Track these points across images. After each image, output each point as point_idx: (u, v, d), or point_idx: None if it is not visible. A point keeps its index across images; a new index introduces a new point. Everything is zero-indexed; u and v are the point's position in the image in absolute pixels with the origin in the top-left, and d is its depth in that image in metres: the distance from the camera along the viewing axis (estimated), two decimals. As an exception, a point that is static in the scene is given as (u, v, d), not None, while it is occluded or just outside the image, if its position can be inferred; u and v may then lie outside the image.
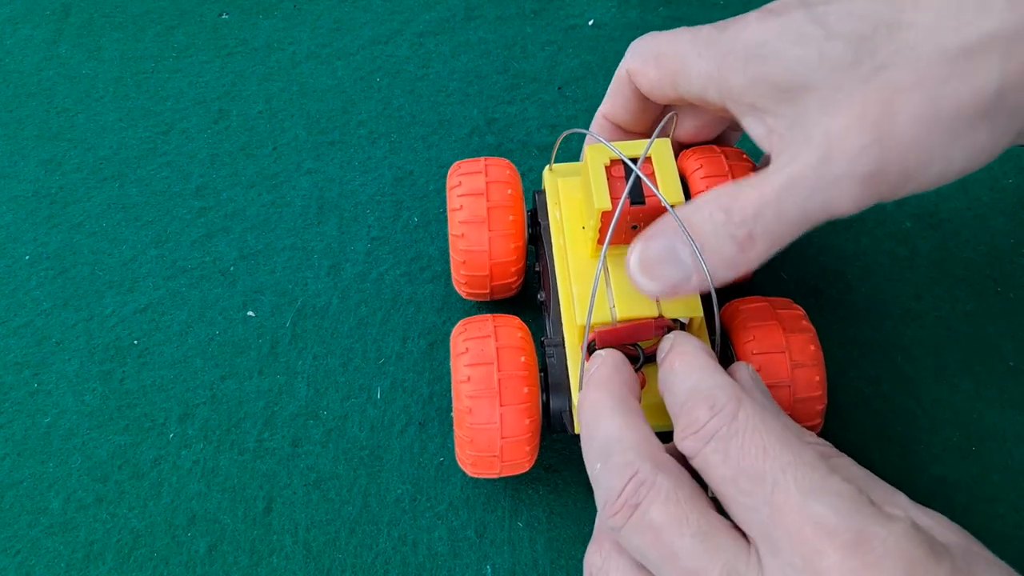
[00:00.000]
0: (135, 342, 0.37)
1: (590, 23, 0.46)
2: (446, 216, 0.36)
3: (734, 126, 0.32)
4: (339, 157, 0.42)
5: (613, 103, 0.31)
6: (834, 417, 0.33)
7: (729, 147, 0.32)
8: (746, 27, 0.26)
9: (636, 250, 0.26)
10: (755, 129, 0.26)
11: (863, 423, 0.34)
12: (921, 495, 0.32)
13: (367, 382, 0.35)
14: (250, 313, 0.37)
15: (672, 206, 0.26)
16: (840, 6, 0.24)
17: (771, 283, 0.37)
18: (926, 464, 0.33)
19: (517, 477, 0.33)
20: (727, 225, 0.24)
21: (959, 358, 0.35)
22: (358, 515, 0.32)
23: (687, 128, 0.31)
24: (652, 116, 0.32)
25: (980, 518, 0.31)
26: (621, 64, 0.30)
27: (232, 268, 0.38)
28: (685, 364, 0.25)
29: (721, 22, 0.27)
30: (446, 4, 0.47)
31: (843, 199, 0.23)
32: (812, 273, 0.37)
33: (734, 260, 0.25)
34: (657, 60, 0.28)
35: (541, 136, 0.42)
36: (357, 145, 0.42)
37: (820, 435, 0.30)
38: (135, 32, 0.46)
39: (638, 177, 0.27)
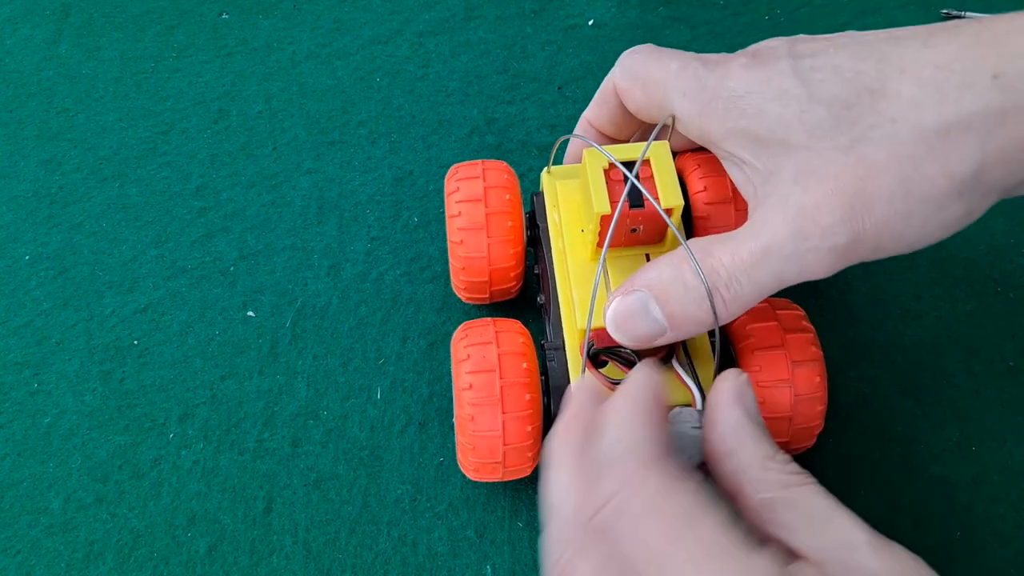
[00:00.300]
0: (135, 342, 0.37)
1: (590, 23, 0.46)
2: (445, 216, 0.36)
3: None
4: (339, 157, 0.42)
5: (599, 113, 0.31)
6: (834, 417, 0.33)
7: None
8: (731, 73, 0.26)
9: (612, 305, 0.26)
10: (733, 173, 0.27)
11: (863, 423, 0.34)
12: (921, 495, 0.32)
13: (367, 382, 0.35)
14: (250, 313, 0.37)
15: (668, 211, 0.26)
16: (827, 60, 0.24)
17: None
18: (926, 464, 0.33)
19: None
20: (699, 289, 0.24)
21: (959, 358, 0.35)
22: (358, 515, 0.32)
23: (677, 140, 0.31)
24: (637, 127, 0.32)
25: (980, 518, 0.31)
26: (609, 76, 0.30)
27: (232, 268, 0.38)
28: (618, 410, 0.23)
29: (709, 57, 0.27)
30: (446, 4, 0.47)
31: (816, 267, 0.24)
32: (812, 273, 0.37)
33: (704, 322, 0.25)
34: (644, 86, 0.28)
35: (541, 136, 0.42)
36: (357, 145, 0.42)
37: (820, 435, 0.30)
38: (135, 32, 0.46)
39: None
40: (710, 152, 0.31)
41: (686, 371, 0.27)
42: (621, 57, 0.29)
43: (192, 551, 0.32)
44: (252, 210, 0.40)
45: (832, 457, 0.33)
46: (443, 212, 0.40)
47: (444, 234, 0.39)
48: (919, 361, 0.35)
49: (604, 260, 0.27)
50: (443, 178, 0.40)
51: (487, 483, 0.33)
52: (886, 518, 0.31)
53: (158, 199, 0.41)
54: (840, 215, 0.23)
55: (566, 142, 0.33)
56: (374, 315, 0.37)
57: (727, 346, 0.30)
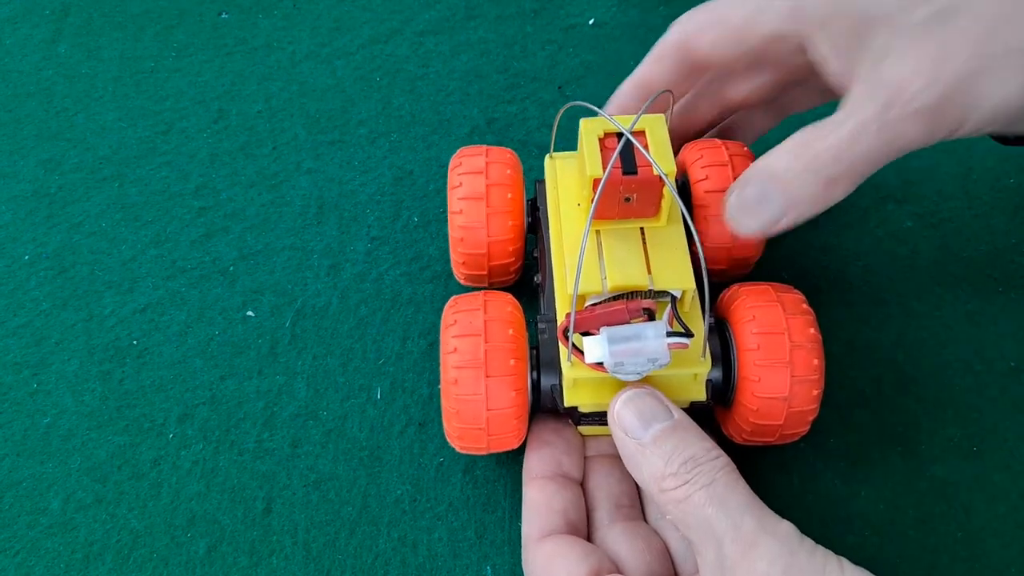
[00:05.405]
0: (134, 342, 0.36)
1: (590, 22, 0.46)
2: (446, 216, 0.36)
3: (787, 87, 0.33)
4: (339, 157, 0.41)
5: (649, 71, 0.32)
6: (834, 417, 0.33)
7: (731, 140, 0.33)
8: None
9: (734, 193, 0.27)
10: (829, 65, 0.27)
11: (863, 423, 0.34)
12: (922, 496, 0.32)
13: (367, 382, 0.35)
14: (250, 313, 0.37)
15: (666, 174, 0.26)
16: None
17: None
18: (927, 464, 0.33)
19: (517, 477, 0.33)
20: (811, 168, 0.26)
21: (960, 358, 0.35)
22: (358, 516, 0.32)
23: (740, 91, 0.32)
24: (685, 91, 0.33)
25: (981, 519, 0.31)
26: (668, 33, 0.31)
27: (232, 268, 0.38)
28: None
29: None
30: (446, 3, 0.47)
31: (909, 135, 0.25)
32: (812, 273, 0.37)
33: (819, 197, 0.26)
34: (721, 19, 0.29)
35: (541, 135, 0.42)
36: (357, 145, 0.42)
37: (820, 435, 0.30)
38: (134, 32, 0.46)
39: (630, 147, 0.27)
40: (712, 141, 0.32)
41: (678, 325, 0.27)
42: (680, 17, 0.31)
43: (191, 552, 0.32)
44: (252, 210, 0.40)
45: (832, 457, 0.33)
46: (443, 212, 0.39)
47: (444, 234, 0.39)
48: (920, 361, 0.35)
49: (591, 220, 0.26)
50: (443, 178, 0.40)
51: (487, 484, 0.33)
52: (887, 519, 0.31)
53: (157, 199, 0.40)
54: (925, 80, 0.24)
55: (567, 113, 0.33)
56: (374, 315, 0.37)
57: (724, 328, 0.30)
